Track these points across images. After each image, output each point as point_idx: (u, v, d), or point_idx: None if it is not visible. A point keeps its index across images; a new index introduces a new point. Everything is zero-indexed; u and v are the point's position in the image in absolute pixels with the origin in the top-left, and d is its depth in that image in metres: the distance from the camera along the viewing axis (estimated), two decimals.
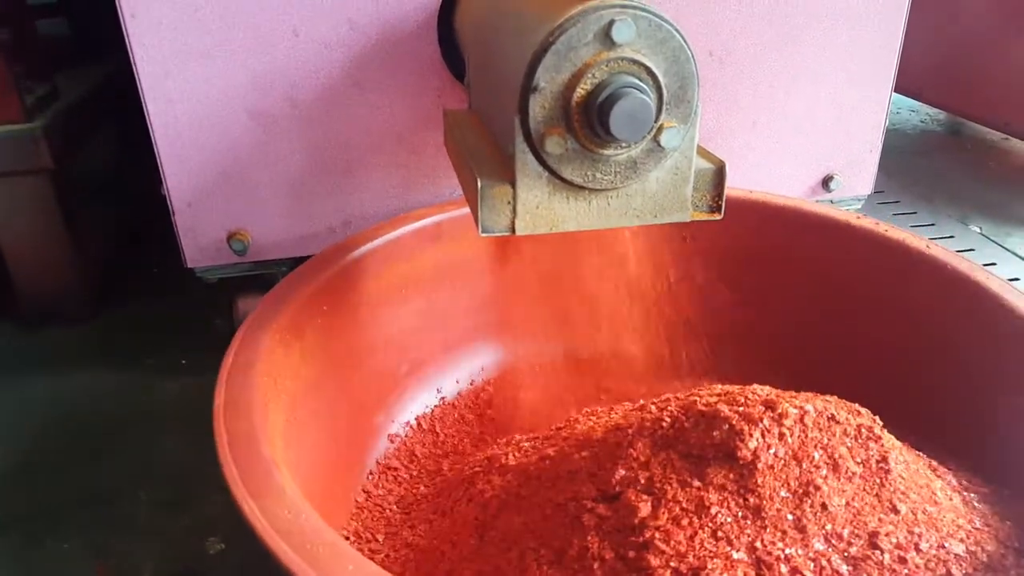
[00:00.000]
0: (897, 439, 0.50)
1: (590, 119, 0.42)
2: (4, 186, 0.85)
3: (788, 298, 0.75)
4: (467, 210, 0.71)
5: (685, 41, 0.42)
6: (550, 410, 0.71)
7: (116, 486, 0.71)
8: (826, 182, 0.91)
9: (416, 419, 0.71)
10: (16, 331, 0.93)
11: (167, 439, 0.76)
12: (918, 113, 1.68)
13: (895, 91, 0.89)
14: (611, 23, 0.40)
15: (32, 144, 0.83)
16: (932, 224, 1.17)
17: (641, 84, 0.41)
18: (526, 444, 0.57)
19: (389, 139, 0.77)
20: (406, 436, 0.69)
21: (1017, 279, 1.01)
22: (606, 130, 0.41)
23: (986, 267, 1.03)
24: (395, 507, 0.60)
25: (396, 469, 0.65)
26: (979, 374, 0.60)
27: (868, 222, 0.71)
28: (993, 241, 1.12)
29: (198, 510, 0.68)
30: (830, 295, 0.72)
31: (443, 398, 0.74)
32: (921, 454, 0.55)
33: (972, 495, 0.51)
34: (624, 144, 0.43)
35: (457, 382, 0.76)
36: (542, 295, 0.75)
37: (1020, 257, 1.07)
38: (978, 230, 1.15)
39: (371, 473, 0.65)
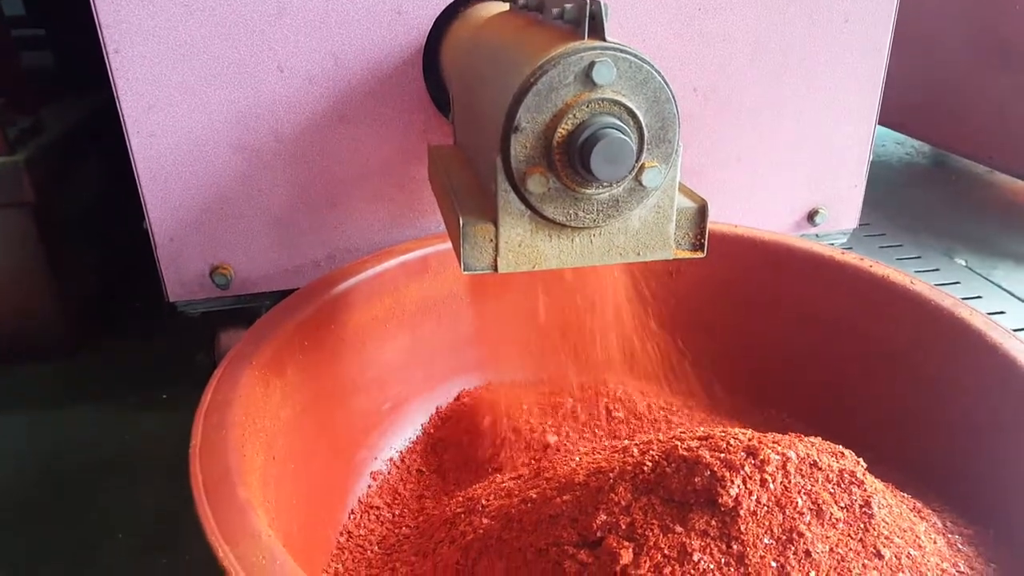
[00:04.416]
0: (881, 477, 0.49)
1: (571, 159, 0.41)
2: None
3: (773, 333, 0.75)
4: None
5: (665, 82, 0.42)
6: (533, 444, 0.70)
7: (96, 529, 0.69)
8: (811, 216, 0.92)
9: (399, 454, 0.70)
10: None
11: (147, 479, 0.75)
12: (903, 145, 1.70)
13: (880, 124, 0.90)
14: (591, 64, 0.40)
15: (14, 177, 0.82)
16: (918, 257, 1.18)
17: (621, 124, 0.41)
18: (508, 483, 0.56)
19: (374, 173, 0.77)
20: (388, 473, 0.68)
21: (1003, 312, 1.02)
22: (587, 170, 0.41)
23: (971, 300, 1.03)
24: (377, 548, 0.59)
25: (379, 508, 0.64)
26: (963, 412, 0.60)
27: (852, 257, 0.71)
28: (978, 274, 1.12)
29: (179, 553, 0.66)
30: (815, 330, 0.72)
31: (427, 432, 0.73)
32: (905, 495, 0.54)
33: (956, 537, 0.50)
34: (606, 183, 0.43)
35: (440, 416, 0.75)
36: (526, 329, 0.74)
37: (1005, 290, 1.08)
38: (963, 263, 1.16)
39: (353, 512, 0.63)
